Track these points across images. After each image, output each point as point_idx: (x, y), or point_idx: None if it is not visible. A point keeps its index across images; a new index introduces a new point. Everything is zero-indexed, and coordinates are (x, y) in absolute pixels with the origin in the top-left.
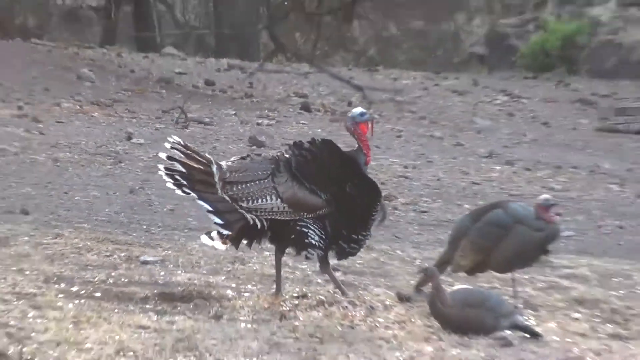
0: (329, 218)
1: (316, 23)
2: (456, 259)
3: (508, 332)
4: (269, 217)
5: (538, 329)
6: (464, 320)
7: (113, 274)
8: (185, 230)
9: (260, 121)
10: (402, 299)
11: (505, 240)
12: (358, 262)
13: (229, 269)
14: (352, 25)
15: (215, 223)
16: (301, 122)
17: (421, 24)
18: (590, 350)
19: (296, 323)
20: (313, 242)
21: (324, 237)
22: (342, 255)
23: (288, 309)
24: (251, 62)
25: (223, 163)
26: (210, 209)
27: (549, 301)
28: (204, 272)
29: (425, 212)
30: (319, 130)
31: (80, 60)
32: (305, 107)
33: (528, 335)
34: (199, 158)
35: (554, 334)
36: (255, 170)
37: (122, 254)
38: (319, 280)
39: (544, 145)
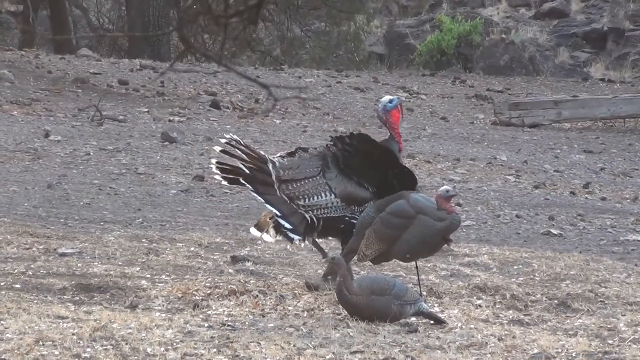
0: None
1: (223, 25)
2: (361, 248)
3: (413, 318)
4: (324, 214)
5: (442, 316)
6: (371, 307)
7: (32, 265)
8: (102, 223)
9: (171, 118)
10: (311, 287)
11: (408, 230)
12: (267, 252)
13: (143, 260)
14: (257, 27)
15: (285, 228)
16: (211, 118)
17: (323, 26)
18: (492, 335)
19: (209, 312)
20: None
21: None
22: None
23: (201, 298)
24: (163, 62)
25: (276, 160)
26: (278, 213)
27: (451, 288)
28: (120, 263)
29: None
30: (228, 126)
31: (0, 62)
32: (215, 105)
33: (432, 322)
34: (256, 156)
35: (457, 320)
36: (306, 167)
37: (41, 247)
38: (230, 271)
39: (443, 138)
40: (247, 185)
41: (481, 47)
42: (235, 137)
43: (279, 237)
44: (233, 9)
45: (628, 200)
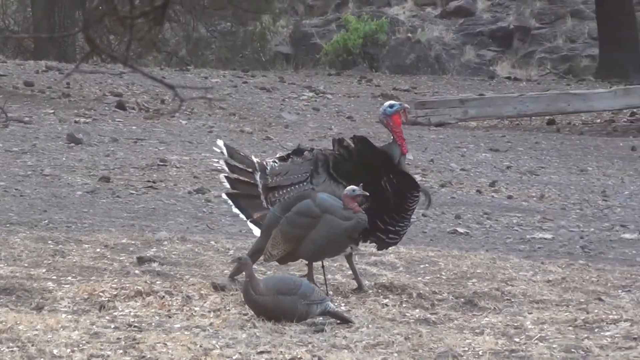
0: (367, 213)
1: (129, 26)
2: (268, 248)
3: (320, 318)
4: None
5: (348, 315)
6: (277, 307)
7: None
8: (7, 225)
9: (77, 119)
10: (217, 288)
11: (314, 229)
12: (174, 253)
13: (49, 261)
14: (163, 28)
15: None
16: (117, 119)
17: (229, 26)
18: (399, 334)
19: (115, 313)
20: None
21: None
22: (382, 245)
23: (107, 299)
24: (68, 63)
25: (269, 164)
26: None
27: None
28: (26, 265)
29: None
30: (134, 127)
31: None
32: (121, 106)
33: (339, 321)
34: (244, 167)
35: (364, 319)
36: (295, 173)
37: None
38: (137, 272)
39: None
40: (230, 202)
41: (387, 46)
42: (222, 146)
43: None
44: (139, 10)
45: (534, 199)
